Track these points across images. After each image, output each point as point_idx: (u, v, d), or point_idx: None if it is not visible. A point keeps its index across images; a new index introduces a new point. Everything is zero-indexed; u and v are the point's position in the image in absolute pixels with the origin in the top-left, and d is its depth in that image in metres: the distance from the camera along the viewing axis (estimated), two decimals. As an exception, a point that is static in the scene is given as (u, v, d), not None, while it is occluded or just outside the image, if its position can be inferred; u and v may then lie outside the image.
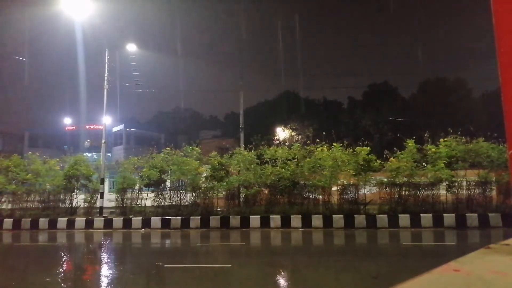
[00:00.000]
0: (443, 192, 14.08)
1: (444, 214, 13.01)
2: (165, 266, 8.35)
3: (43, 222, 15.20)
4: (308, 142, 16.73)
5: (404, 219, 13.02)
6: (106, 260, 9.79)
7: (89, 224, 14.89)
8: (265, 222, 13.71)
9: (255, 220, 13.85)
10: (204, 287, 6.84)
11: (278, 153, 15.22)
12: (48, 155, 18.05)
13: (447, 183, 13.84)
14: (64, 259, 10.19)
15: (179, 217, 14.49)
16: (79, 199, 16.96)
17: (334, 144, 14.58)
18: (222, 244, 11.92)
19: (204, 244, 11.89)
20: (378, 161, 14.23)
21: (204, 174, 15.91)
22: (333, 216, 13.47)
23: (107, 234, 14.06)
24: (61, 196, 16.97)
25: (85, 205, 16.77)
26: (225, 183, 15.24)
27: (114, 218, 15.08)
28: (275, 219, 13.72)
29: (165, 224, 14.38)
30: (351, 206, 14.16)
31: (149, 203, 16.14)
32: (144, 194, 16.41)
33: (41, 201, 16.93)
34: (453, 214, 12.95)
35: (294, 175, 14.73)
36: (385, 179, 14.41)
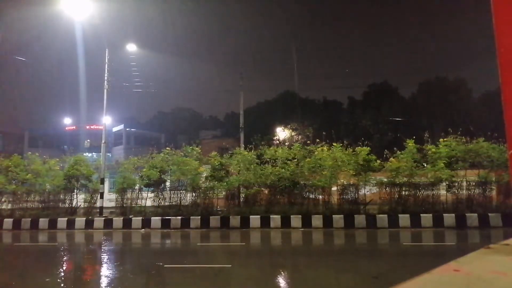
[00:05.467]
0: (443, 192, 14.07)
1: (444, 214, 13.01)
2: (165, 266, 8.35)
3: (43, 222, 15.20)
4: (308, 142, 16.76)
5: (404, 219, 13.02)
6: (106, 260, 9.79)
7: (89, 224, 14.89)
8: (265, 222, 13.71)
9: (255, 220, 13.85)
10: (204, 287, 6.84)
11: (278, 153, 15.22)
12: (48, 155, 18.03)
13: (447, 183, 13.84)
14: (64, 259, 10.19)
15: (179, 217, 14.49)
16: (79, 199, 16.95)
17: (334, 144, 14.58)
18: (222, 244, 11.92)
19: (204, 244, 11.89)
20: (378, 161, 14.22)
21: (204, 174, 15.90)
22: (333, 216, 13.46)
23: (107, 234, 14.06)
24: (61, 196, 16.97)
25: (85, 205, 16.77)
26: (225, 183, 15.23)
27: (114, 218, 15.08)
28: (275, 219, 13.72)
29: (165, 224, 14.37)
30: (351, 206, 14.16)
31: (149, 203, 16.13)
32: (144, 194, 16.41)
33: (41, 201, 16.92)
34: (453, 214, 12.95)
35: (294, 175, 14.73)
36: (385, 179, 14.40)
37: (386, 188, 14.39)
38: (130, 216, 15.15)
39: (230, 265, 8.52)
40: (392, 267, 7.88)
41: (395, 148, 14.37)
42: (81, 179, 16.94)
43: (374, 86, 38.03)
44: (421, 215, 12.98)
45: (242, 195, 15.70)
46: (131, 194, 16.35)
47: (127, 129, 46.07)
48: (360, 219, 13.27)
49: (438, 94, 32.81)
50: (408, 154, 13.86)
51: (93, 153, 35.91)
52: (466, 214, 12.83)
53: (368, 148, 14.35)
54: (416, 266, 7.61)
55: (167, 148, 16.56)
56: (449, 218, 12.83)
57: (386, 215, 13.22)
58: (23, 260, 10.09)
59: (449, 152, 13.76)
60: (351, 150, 14.43)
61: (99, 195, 16.61)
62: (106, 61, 18.09)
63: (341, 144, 14.55)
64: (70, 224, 14.97)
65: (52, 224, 15.08)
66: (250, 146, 16.56)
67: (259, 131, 31.38)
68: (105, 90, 17.95)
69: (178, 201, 15.78)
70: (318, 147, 14.75)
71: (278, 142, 32.27)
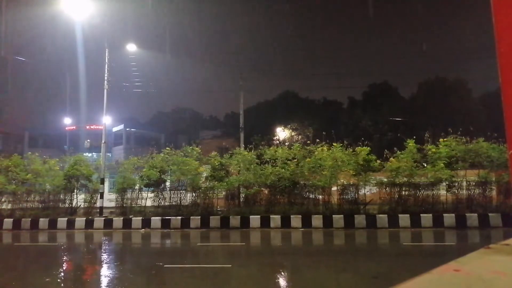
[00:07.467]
0: (443, 192, 14.07)
1: (444, 214, 13.01)
2: (165, 266, 8.35)
3: (43, 222, 15.19)
4: (308, 142, 16.74)
5: (404, 219, 13.02)
6: (106, 260, 9.79)
7: (89, 224, 14.89)
8: (265, 222, 13.71)
9: (255, 220, 13.85)
10: (204, 287, 6.84)
11: (278, 153, 15.21)
12: (48, 155, 18.03)
13: (447, 183, 13.84)
14: (64, 259, 10.20)
15: (179, 217, 14.49)
16: (79, 199, 16.94)
17: (334, 144, 14.57)
18: (222, 244, 11.92)
19: (204, 244, 11.90)
20: (378, 161, 14.21)
21: (204, 174, 15.90)
22: (333, 216, 13.46)
23: (107, 234, 14.06)
24: (61, 196, 16.95)
25: (85, 205, 16.76)
26: (225, 183, 15.22)
27: (114, 218, 15.08)
28: (275, 219, 13.72)
29: (165, 224, 14.37)
30: (351, 206, 14.16)
31: (149, 203, 16.13)
32: (144, 194, 16.40)
33: (41, 201, 16.91)
34: (453, 214, 12.95)
35: (294, 175, 14.72)
36: (385, 179, 14.40)
37: (386, 188, 14.38)
38: (130, 216, 15.14)
39: (230, 265, 8.53)
40: (392, 267, 7.88)
41: (395, 148, 14.36)
42: (81, 179, 16.93)
43: (374, 86, 38.02)
44: (421, 215, 12.98)
45: (242, 195, 15.70)
46: (131, 194, 16.35)
47: (127, 129, 46.05)
48: (360, 219, 13.27)
49: (438, 94, 32.79)
50: (408, 154, 13.86)
51: (93, 153, 35.91)
52: (466, 214, 12.83)
53: (368, 148, 14.34)
54: (416, 266, 7.61)
55: (167, 148, 16.54)
56: (449, 218, 12.83)
57: (386, 215, 13.22)
58: (23, 260, 10.09)
59: (449, 152, 13.76)
60: (351, 150, 14.42)
61: (99, 195, 16.61)
62: (106, 61, 18.08)
63: (341, 144, 14.53)
64: (70, 224, 14.96)
65: (52, 224, 15.07)
66: (250, 146, 16.55)
67: (259, 131, 31.35)
68: (105, 90, 17.94)
69: (178, 201, 15.78)
70: (318, 147, 14.74)
71: (278, 142, 32.25)
